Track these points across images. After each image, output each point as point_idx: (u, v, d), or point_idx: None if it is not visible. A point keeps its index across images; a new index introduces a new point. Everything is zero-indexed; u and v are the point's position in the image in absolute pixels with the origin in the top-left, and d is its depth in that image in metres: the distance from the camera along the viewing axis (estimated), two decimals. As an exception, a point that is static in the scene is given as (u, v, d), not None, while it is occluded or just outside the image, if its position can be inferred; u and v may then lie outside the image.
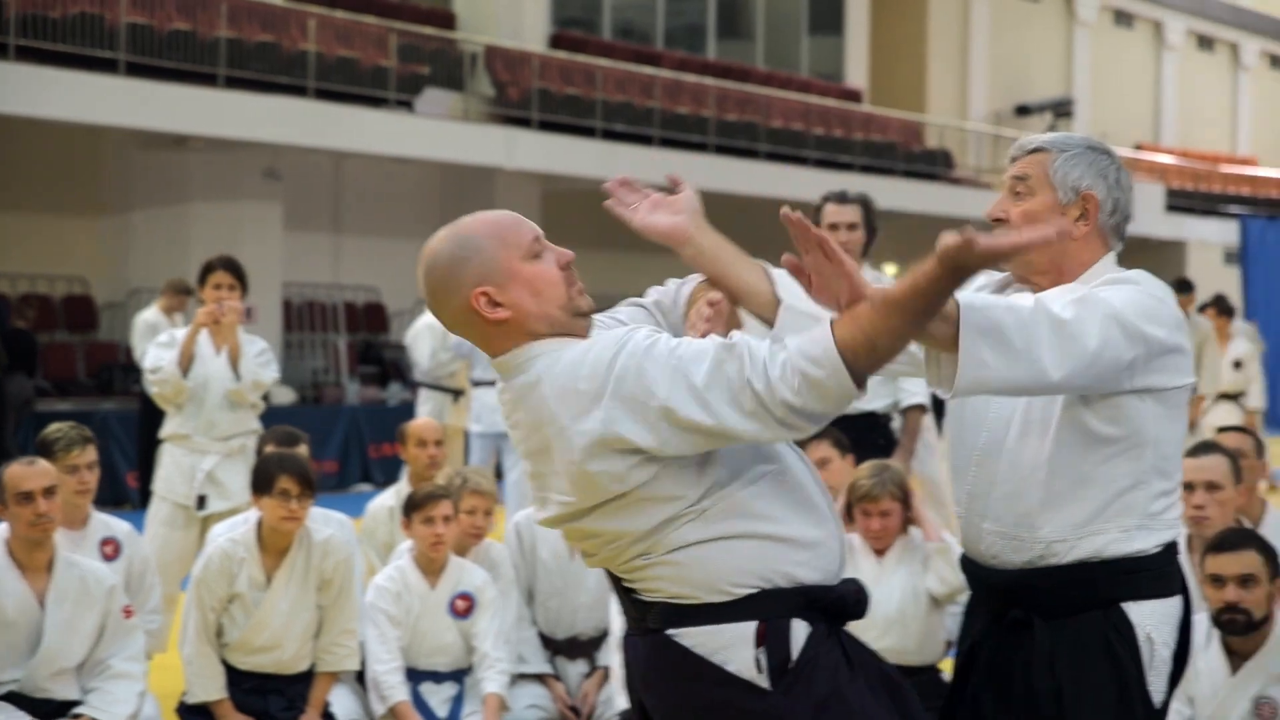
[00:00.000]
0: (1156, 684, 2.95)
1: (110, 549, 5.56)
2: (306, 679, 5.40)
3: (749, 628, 2.65)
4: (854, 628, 5.28)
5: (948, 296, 2.55)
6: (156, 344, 6.87)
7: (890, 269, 24.65)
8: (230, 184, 16.52)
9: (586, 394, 2.59)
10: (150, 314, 11.51)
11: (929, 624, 5.40)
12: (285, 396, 16.23)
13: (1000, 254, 2.48)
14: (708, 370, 2.55)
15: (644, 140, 19.44)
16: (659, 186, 3.03)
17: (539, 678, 5.95)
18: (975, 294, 2.77)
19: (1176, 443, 2.97)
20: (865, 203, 6.37)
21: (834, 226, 6.37)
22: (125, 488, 12.86)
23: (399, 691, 5.48)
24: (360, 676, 5.61)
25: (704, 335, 2.69)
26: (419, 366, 11.60)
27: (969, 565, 3.13)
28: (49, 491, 4.78)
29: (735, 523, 2.66)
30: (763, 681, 2.65)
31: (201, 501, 6.72)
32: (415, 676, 5.59)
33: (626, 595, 2.78)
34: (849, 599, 2.78)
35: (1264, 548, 4.33)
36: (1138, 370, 2.82)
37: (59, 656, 4.86)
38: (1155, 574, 2.95)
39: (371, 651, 5.53)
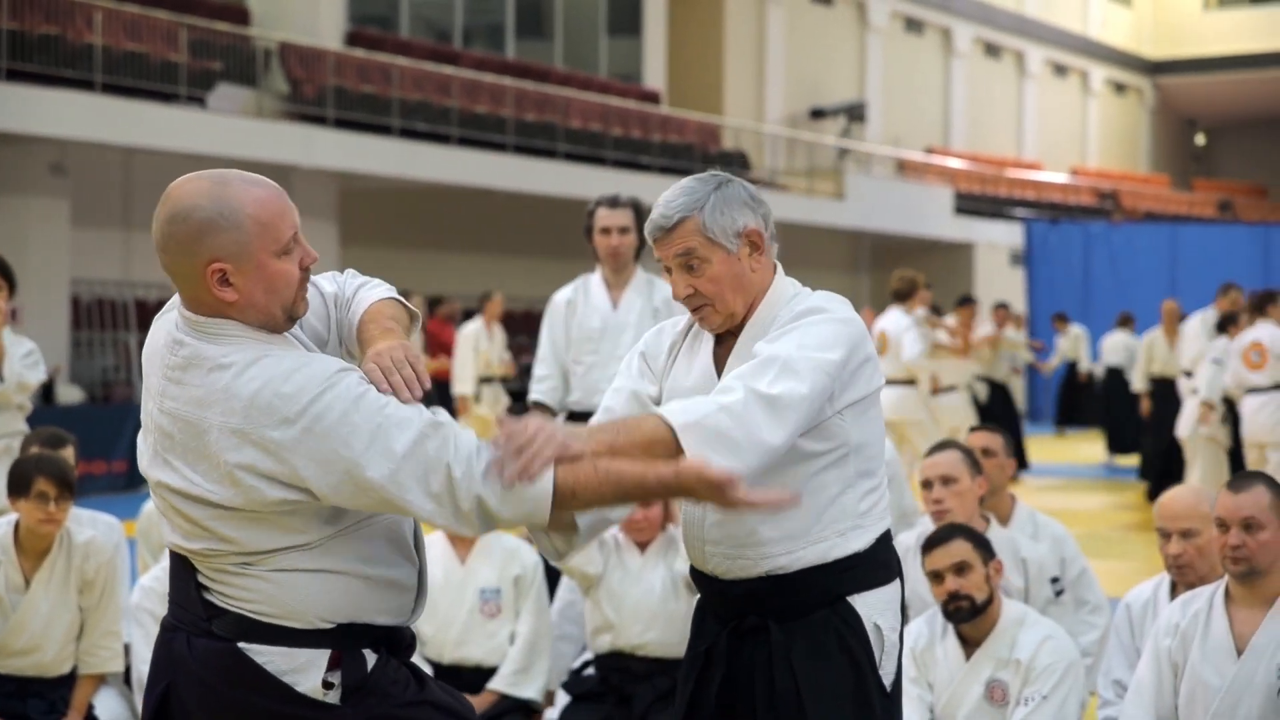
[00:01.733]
0: (888, 667, 3.12)
1: None
2: (69, 682, 5.34)
3: (323, 654, 2.71)
4: (621, 622, 5.43)
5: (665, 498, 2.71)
6: (-78, 344, 6.72)
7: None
8: (14, 179, 16.13)
9: (280, 412, 2.56)
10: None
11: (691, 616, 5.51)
12: (74, 395, 15.91)
13: (743, 509, 2.70)
14: (410, 441, 2.56)
15: (442, 139, 19.42)
16: None
17: None
18: (684, 408, 2.83)
19: (878, 441, 3.14)
20: (637, 207, 6.53)
21: (606, 230, 6.52)
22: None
23: (166, 693, 5.46)
24: (127, 678, 5.59)
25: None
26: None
27: (697, 574, 3.24)
28: None
29: (344, 561, 2.70)
30: (333, 698, 2.71)
31: (-36, 504, 6.59)
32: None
33: (197, 589, 2.73)
34: (406, 639, 2.87)
35: (971, 535, 4.55)
36: (837, 397, 3.00)
37: None
38: (873, 565, 3.11)
39: (137, 653, 5.50)
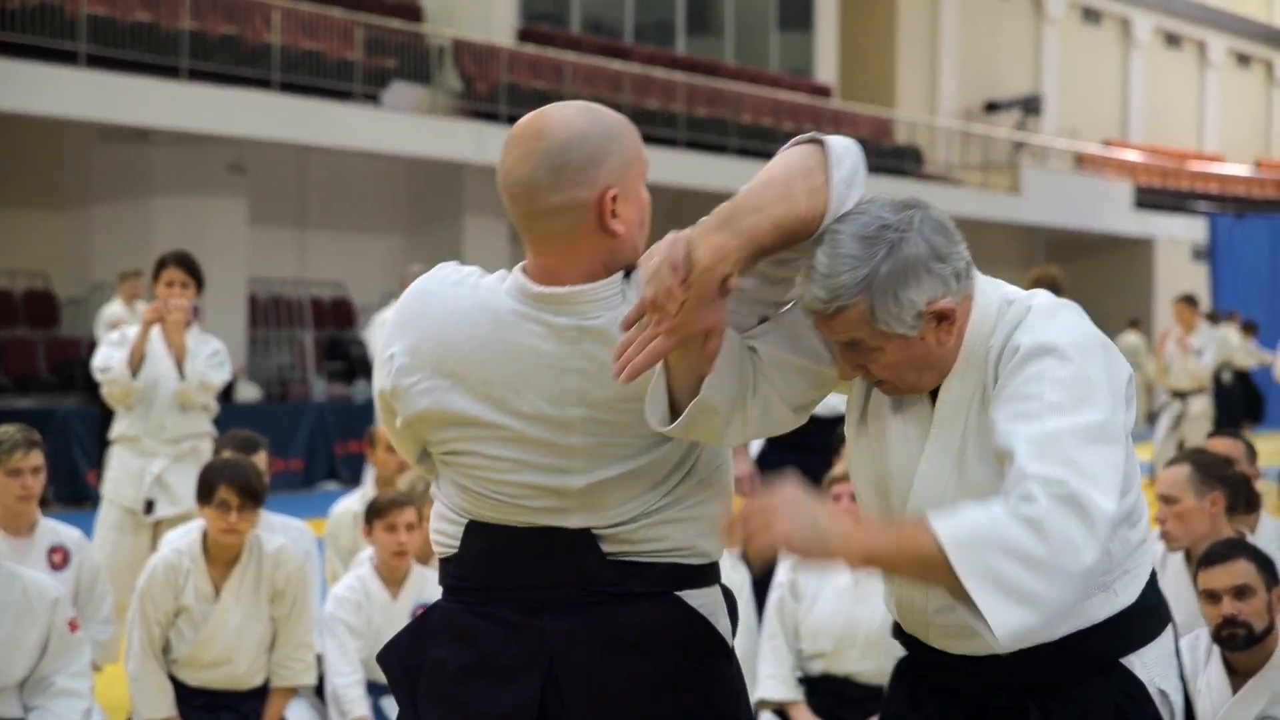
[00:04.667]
0: None
1: (59, 557, 5.32)
2: (261, 695, 5.15)
3: (717, 589, 2.49)
4: (834, 650, 5.13)
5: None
6: (107, 342, 6.63)
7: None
8: (194, 178, 16.28)
9: None
10: (115, 308, 11.46)
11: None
12: (250, 393, 16.01)
13: None
14: None
15: (613, 135, 19.22)
16: None
17: None
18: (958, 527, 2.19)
19: (1133, 474, 2.51)
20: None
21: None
22: (86, 486, 12.62)
23: (360, 705, 5.27)
24: (319, 690, 5.41)
25: None
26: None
27: (908, 639, 2.64)
28: (-20, 504, 4.54)
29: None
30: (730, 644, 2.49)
31: (149, 506, 6.47)
32: (376, 690, 5.36)
33: (596, 556, 2.40)
34: None
35: (1256, 556, 4.14)
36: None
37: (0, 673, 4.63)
38: (1144, 613, 2.55)
39: (331, 664, 5.32)
